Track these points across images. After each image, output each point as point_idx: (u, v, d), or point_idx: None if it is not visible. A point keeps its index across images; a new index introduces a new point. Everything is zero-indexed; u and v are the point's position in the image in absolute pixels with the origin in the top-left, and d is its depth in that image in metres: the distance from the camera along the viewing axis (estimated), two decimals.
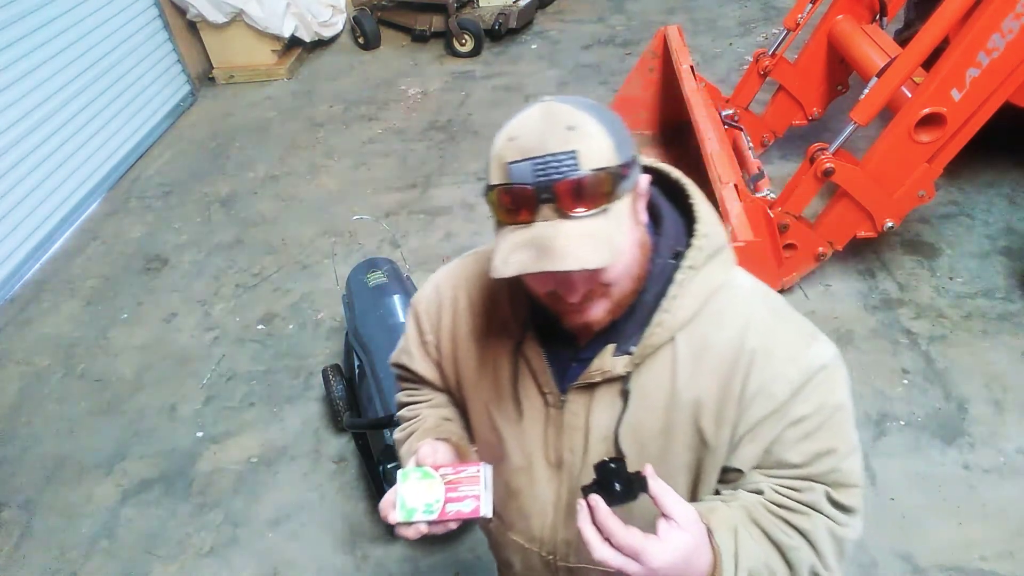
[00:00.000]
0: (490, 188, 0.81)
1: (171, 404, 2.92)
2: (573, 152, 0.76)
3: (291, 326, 3.25)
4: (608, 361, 0.91)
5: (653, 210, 0.94)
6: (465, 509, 0.90)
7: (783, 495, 0.90)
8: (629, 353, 0.90)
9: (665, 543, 0.77)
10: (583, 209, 0.77)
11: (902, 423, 2.47)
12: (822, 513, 0.89)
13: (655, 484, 0.79)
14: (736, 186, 2.47)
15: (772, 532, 0.88)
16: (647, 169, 0.97)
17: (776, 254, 2.76)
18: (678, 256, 0.91)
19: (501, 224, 0.81)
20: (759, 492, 0.91)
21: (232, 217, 4.09)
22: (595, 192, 0.77)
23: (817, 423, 0.88)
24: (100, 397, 2.99)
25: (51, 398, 3.01)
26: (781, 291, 2.96)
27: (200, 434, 2.78)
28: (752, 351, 0.88)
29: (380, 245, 3.68)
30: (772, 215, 2.70)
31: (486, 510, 0.90)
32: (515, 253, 0.78)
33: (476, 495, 0.90)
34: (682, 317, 0.88)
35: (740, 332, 0.89)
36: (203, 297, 3.49)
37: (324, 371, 2.67)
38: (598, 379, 0.92)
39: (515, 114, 0.82)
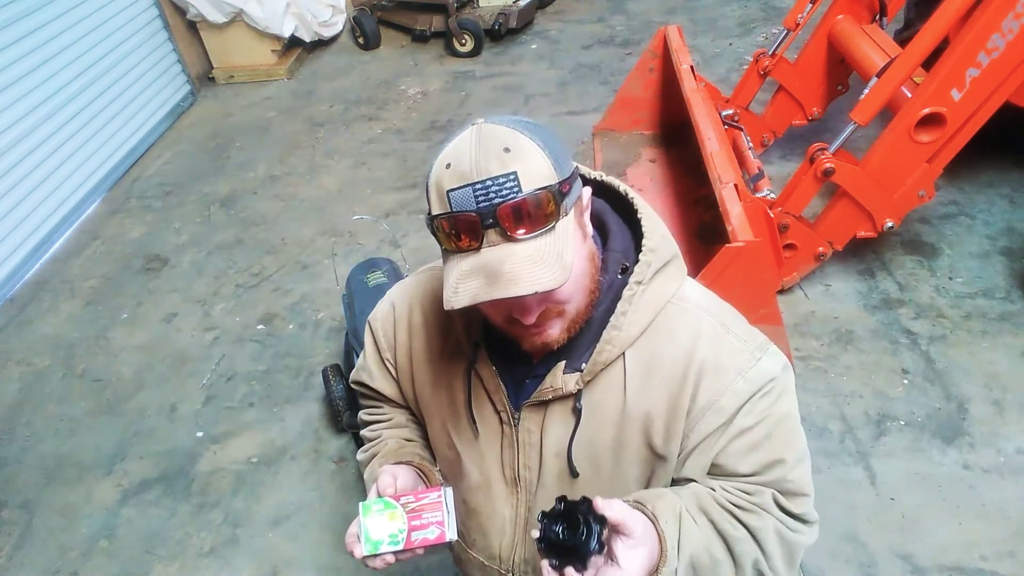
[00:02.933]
0: (432, 217, 0.79)
1: (171, 404, 2.92)
2: (512, 174, 0.74)
3: (291, 326, 3.25)
4: (559, 379, 0.90)
5: (601, 225, 0.94)
6: (431, 536, 0.90)
7: (733, 494, 0.90)
8: (580, 370, 0.90)
9: (628, 565, 0.76)
10: (528, 231, 0.76)
11: (902, 423, 2.47)
12: (771, 515, 0.90)
13: (605, 508, 0.76)
14: (736, 186, 2.47)
15: (719, 522, 0.88)
16: (597, 183, 0.97)
17: (776, 254, 2.75)
18: (626, 271, 0.90)
19: (447, 252, 0.80)
20: (711, 489, 0.92)
21: (232, 217, 4.09)
22: (539, 212, 0.76)
23: (764, 433, 0.89)
24: (100, 397, 2.99)
25: (51, 398, 3.01)
26: (781, 291, 2.96)
27: (200, 434, 2.78)
28: (701, 365, 0.88)
29: (380, 245, 3.68)
30: (772, 215, 2.70)
31: (451, 535, 0.91)
32: (465, 281, 0.77)
33: (440, 521, 0.90)
34: (632, 333, 0.88)
35: (689, 346, 0.89)
36: (203, 297, 3.49)
37: (324, 371, 2.66)
38: (550, 397, 0.92)
39: (448, 139, 0.81)
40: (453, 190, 0.76)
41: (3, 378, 3.14)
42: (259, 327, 3.27)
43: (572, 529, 0.76)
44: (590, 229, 0.88)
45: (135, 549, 2.40)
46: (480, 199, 0.75)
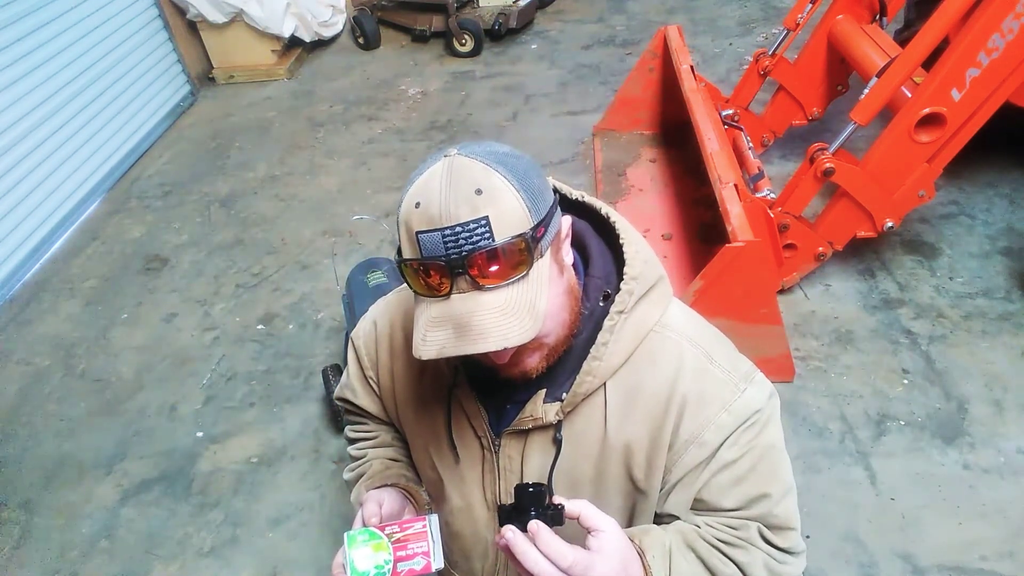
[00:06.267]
0: (401, 259, 0.77)
1: (171, 404, 2.92)
2: (484, 219, 0.71)
3: (291, 326, 3.25)
4: (539, 408, 0.89)
5: (583, 248, 0.92)
6: (416, 567, 0.90)
7: (719, 530, 0.89)
8: (560, 400, 0.88)
9: (604, 550, 0.75)
10: (500, 280, 0.73)
11: (902, 423, 2.47)
12: (759, 548, 0.88)
13: (571, 505, 0.77)
14: (736, 186, 2.47)
15: (708, 559, 0.86)
16: (578, 204, 0.94)
17: (776, 254, 2.76)
18: (608, 298, 0.88)
19: (417, 294, 0.77)
20: (696, 526, 0.90)
21: (232, 217, 4.09)
22: (511, 261, 0.73)
23: (748, 466, 0.87)
24: (100, 397, 2.99)
25: (51, 398, 3.01)
26: (781, 291, 2.96)
27: (200, 434, 2.78)
28: (684, 397, 0.86)
29: (380, 245, 3.68)
30: (772, 215, 2.70)
31: (437, 564, 0.90)
32: (433, 330, 0.74)
33: (426, 551, 0.90)
34: (613, 363, 0.86)
35: (672, 377, 0.87)
36: (203, 297, 3.49)
37: (324, 371, 2.67)
38: (529, 426, 0.90)
39: (420, 166, 0.77)
40: (422, 232, 0.73)
41: (3, 378, 3.14)
42: (259, 327, 3.27)
43: (524, 499, 0.77)
44: (570, 259, 0.85)
45: (135, 549, 2.40)
46: (450, 246, 0.71)
